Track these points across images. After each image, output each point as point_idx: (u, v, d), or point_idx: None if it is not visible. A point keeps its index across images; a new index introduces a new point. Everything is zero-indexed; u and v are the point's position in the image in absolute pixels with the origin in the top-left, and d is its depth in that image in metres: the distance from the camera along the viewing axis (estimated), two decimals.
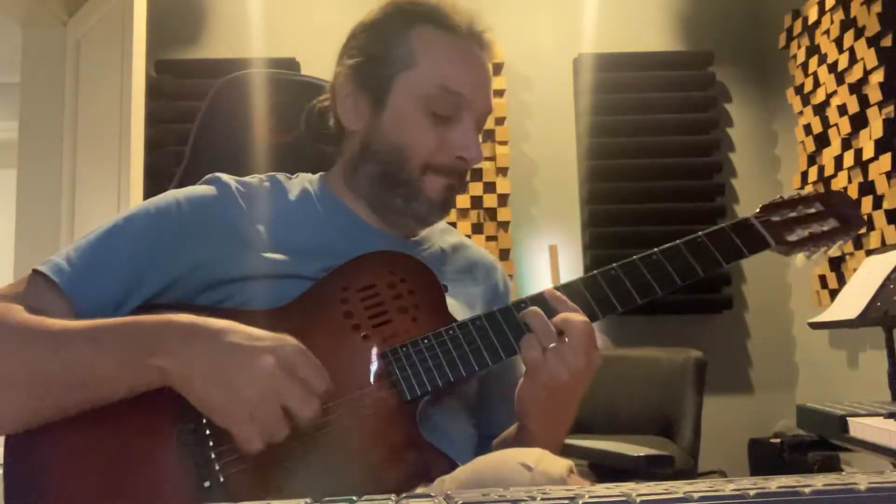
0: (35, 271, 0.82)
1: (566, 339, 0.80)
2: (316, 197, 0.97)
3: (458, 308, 0.93)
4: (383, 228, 0.97)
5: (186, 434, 0.76)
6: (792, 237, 0.93)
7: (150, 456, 0.76)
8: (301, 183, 0.99)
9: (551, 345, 0.79)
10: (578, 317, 0.81)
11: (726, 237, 0.90)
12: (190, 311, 0.83)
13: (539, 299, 0.85)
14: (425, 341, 0.83)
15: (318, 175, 1.02)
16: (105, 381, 0.74)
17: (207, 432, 0.76)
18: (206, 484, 0.74)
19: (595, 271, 0.88)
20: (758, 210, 0.94)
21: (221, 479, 0.75)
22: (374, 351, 0.83)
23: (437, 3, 0.94)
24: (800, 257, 0.95)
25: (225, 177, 0.94)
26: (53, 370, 0.74)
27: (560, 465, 0.66)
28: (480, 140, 0.95)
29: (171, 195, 0.91)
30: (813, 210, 0.95)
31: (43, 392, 0.74)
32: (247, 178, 0.97)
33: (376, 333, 0.84)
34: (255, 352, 0.72)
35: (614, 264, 0.88)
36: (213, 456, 0.75)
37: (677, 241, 0.90)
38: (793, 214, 0.94)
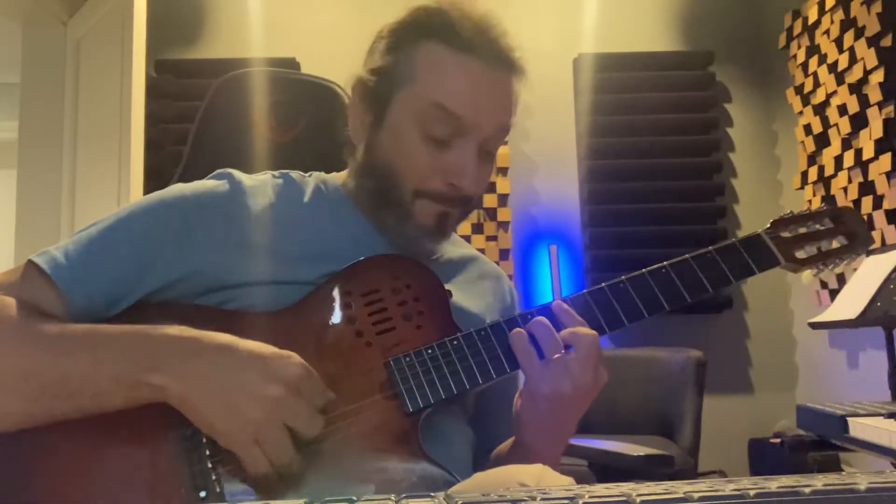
0: (31, 262, 0.80)
1: (573, 352, 0.78)
2: (329, 200, 0.94)
3: (465, 319, 0.90)
4: None
5: (182, 440, 0.75)
6: (801, 254, 0.92)
7: (144, 461, 0.75)
8: (315, 183, 0.95)
9: (556, 356, 0.78)
10: (586, 330, 0.80)
11: (736, 253, 0.89)
12: (188, 311, 0.83)
13: (545, 311, 0.83)
14: (429, 351, 0.81)
15: (331, 175, 0.99)
16: (100, 395, 0.73)
17: (204, 440, 0.75)
18: (203, 494, 0.73)
19: (603, 284, 0.86)
20: (768, 225, 0.93)
21: (218, 490, 0.73)
22: (377, 359, 0.81)
23: (456, 17, 0.87)
24: (806, 274, 0.94)
25: (237, 174, 0.91)
26: (50, 377, 0.73)
27: (560, 483, 0.64)
28: (493, 166, 0.91)
29: (179, 191, 0.88)
30: (822, 226, 0.94)
31: (37, 396, 0.73)
32: (259, 176, 0.93)
33: (379, 341, 0.82)
34: (259, 375, 0.72)
35: (623, 277, 0.86)
36: (209, 465, 0.74)
37: (686, 256, 0.88)
38: (802, 230, 0.93)
